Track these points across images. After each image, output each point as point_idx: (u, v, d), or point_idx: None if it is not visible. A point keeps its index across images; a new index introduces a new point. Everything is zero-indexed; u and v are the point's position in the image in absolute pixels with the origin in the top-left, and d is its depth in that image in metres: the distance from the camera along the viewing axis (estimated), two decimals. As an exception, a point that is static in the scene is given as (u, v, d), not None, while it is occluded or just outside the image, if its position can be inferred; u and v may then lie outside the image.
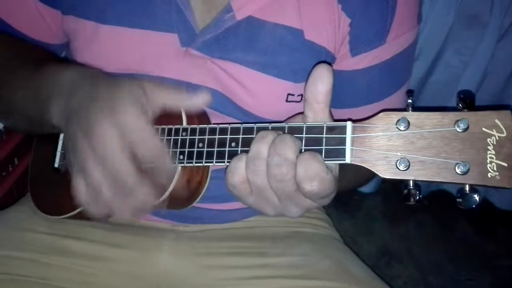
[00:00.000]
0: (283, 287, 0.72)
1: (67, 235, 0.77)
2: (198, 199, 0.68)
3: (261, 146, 0.48)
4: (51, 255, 0.75)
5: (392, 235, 1.79)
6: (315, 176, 0.45)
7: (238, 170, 0.50)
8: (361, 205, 1.88)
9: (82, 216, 0.73)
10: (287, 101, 0.68)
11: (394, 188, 1.82)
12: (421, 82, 1.67)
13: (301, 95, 0.68)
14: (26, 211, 0.80)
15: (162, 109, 0.55)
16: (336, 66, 0.68)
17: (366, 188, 1.89)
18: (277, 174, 0.47)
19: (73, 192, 0.53)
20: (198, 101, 0.55)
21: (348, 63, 0.68)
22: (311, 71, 0.49)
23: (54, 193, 0.77)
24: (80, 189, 0.52)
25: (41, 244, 0.76)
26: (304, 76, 0.66)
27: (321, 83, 0.48)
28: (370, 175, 0.46)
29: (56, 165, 0.75)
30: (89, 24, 0.67)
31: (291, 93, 0.68)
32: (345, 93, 0.70)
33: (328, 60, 0.67)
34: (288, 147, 0.46)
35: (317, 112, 0.49)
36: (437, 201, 1.85)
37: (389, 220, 1.84)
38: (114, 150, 0.49)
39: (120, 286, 0.76)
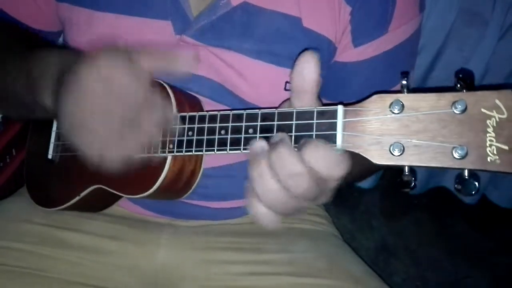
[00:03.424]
0: (280, 284, 0.72)
1: (65, 227, 0.77)
2: (192, 189, 0.68)
3: (260, 169, 0.43)
4: (48, 247, 0.75)
5: (390, 232, 1.79)
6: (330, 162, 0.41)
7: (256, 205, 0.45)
8: (360, 202, 1.88)
9: (76, 207, 0.75)
10: (285, 89, 0.67)
11: (393, 185, 1.82)
12: (422, 78, 1.67)
13: None
14: (24, 202, 0.80)
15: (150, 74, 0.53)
16: (339, 58, 0.67)
17: (364, 184, 1.88)
18: (292, 186, 0.42)
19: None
20: (184, 63, 0.53)
21: (351, 54, 0.67)
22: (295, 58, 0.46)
23: (48, 185, 0.78)
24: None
25: (39, 236, 0.76)
26: None
27: (307, 71, 0.45)
28: (373, 167, 0.43)
29: (49, 156, 0.75)
30: (84, 11, 0.67)
31: (289, 81, 0.66)
32: (350, 84, 0.69)
33: (329, 49, 0.66)
34: (288, 162, 0.42)
35: (304, 101, 0.47)
36: (435, 198, 1.85)
37: (388, 216, 1.84)
38: (106, 100, 0.49)
39: (117, 279, 0.76)
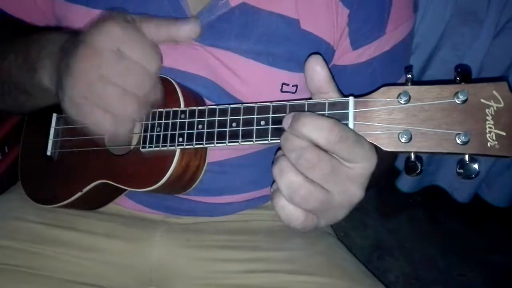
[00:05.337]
0: (275, 282, 0.72)
1: (58, 225, 0.77)
2: (196, 183, 0.68)
3: (279, 164, 0.46)
4: (41, 245, 0.74)
5: (384, 230, 1.79)
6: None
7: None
8: (354, 200, 1.88)
9: (76, 204, 0.73)
10: (282, 91, 0.67)
11: (387, 183, 1.83)
12: (417, 77, 1.67)
13: (296, 85, 0.67)
14: (17, 199, 0.79)
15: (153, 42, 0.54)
16: (338, 62, 0.69)
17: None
18: (297, 163, 0.45)
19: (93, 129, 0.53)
20: (186, 30, 0.55)
21: (350, 57, 0.68)
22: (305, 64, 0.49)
23: (47, 182, 0.76)
24: (101, 117, 0.52)
25: (31, 234, 0.75)
26: (299, 65, 0.66)
27: (317, 74, 0.48)
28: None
29: (48, 153, 0.74)
30: (80, 8, 0.66)
31: (286, 82, 0.67)
32: (352, 87, 0.70)
33: (327, 51, 0.67)
34: (290, 139, 0.45)
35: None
36: (430, 196, 1.86)
37: (382, 214, 1.84)
38: (113, 60, 0.50)
39: (111, 277, 0.76)
